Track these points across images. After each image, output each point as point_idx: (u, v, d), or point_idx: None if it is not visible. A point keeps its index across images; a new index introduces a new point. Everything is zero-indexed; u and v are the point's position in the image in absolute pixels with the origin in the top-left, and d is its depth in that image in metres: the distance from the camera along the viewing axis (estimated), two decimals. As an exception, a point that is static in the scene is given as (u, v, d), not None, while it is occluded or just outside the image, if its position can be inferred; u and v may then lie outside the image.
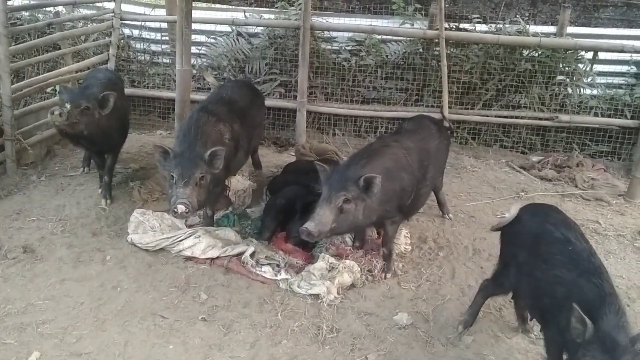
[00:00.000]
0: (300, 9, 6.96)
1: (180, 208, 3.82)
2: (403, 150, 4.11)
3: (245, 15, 7.45)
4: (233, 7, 8.01)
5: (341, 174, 3.77)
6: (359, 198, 3.69)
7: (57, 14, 7.07)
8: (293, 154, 6.65)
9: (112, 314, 3.56)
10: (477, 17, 7.09)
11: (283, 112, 7.26)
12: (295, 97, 7.01)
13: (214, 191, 4.45)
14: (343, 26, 7.09)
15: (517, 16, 7.24)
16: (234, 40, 7.38)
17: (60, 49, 6.86)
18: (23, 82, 5.88)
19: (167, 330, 3.49)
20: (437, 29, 6.57)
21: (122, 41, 7.41)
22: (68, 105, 4.46)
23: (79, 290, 3.76)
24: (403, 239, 4.57)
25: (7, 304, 3.57)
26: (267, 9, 7.69)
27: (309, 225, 3.55)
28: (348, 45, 7.21)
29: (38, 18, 7.56)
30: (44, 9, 7.37)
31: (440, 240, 4.73)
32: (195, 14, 6.24)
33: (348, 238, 4.41)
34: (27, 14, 7.45)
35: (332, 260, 4.12)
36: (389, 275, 4.20)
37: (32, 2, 6.70)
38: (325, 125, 7.23)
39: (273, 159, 6.52)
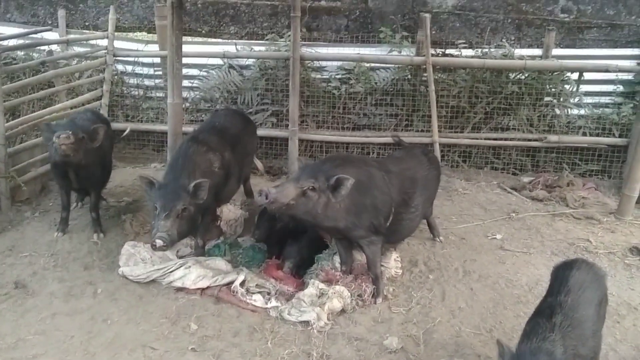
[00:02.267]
0: (289, 41, 7.10)
1: (158, 242, 3.92)
2: (382, 172, 4.21)
3: (236, 48, 7.58)
4: (224, 40, 8.14)
5: (316, 167, 3.99)
6: (325, 193, 3.83)
7: (50, 52, 7.19)
8: (286, 182, 6.69)
9: (102, 347, 3.57)
10: (463, 43, 7.21)
11: (275, 141, 7.34)
12: (287, 126, 7.10)
13: (203, 221, 4.52)
14: (332, 55, 7.22)
15: (503, 40, 7.35)
16: (226, 72, 7.49)
17: (54, 86, 7.00)
18: (17, 120, 5.97)
19: (157, 361, 3.50)
20: (424, 55, 6.69)
21: (115, 77, 7.54)
22: (70, 132, 4.43)
23: (70, 324, 3.77)
24: (393, 263, 4.58)
25: (-2, 340, 3.59)
26: (258, 42, 7.82)
27: (271, 190, 3.71)
28: (338, 74, 7.32)
29: (33, 57, 7.71)
30: (38, 47, 7.51)
31: (431, 263, 4.75)
32: (187, 48, 6.36)
33: (338, 264, 4.43)
34: (22, 53, 7.59)
35: (322, 286, 4.14)
36: (379, 300, 4.22)
37: (26, 42, 6.82)
38: (318, 152, 7.29)
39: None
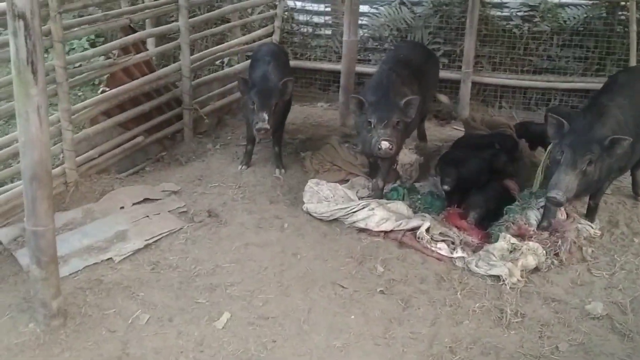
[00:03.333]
0: (469, -26, 6.61)
1: (384, 144, 4.12)
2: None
3: (408, -18, 7.23)
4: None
5: (582, 134, 3.74)
6: (600, 159, 3.71)
7: (224, -13, 7.30)
8: (457, 127, 6.39)
9: (294, 280, 3.63)
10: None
11: (445, 84, 6.97)
12: (460, 67, 6.71)
13: (384, 164, 4.44)
14: (517, -10, 6.63)
15: None
16: (396, 9, 7.20)
17: (228, 21, 7.13)
18: (199, 54, 6.17)
19: (348, 300, 3.49)
20: (626, -9, 5.93)
21: (286, 13, 7.52)
22: (265, 115, 4.55)
23: (262, 255, 3.87)
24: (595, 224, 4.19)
25: (197, 265, 3.76)
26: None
27: (556, 193, 3.60)
28: (520, 11, 6.74)
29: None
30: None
31: (634, 225, 4.29)
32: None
33: (533, 220, 4.11)
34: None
35: (513, 240, 3.88)
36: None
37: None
38: (491, 97, 6.87)
39: (436, 133, 6.31)
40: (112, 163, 5.10)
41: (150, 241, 4.00)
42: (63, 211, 4.32)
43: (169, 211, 4.39)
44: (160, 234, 4.08)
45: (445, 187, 4.50)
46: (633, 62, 5.95)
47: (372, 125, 4.23)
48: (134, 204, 4.44)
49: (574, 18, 6.49)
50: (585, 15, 6.43)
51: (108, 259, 3.80)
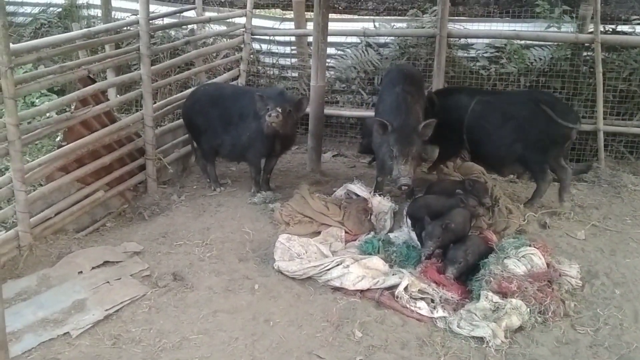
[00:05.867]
0: (434, 16, 6.60)
1: (404, 181, 4.60)
2: None
3: (374, 25, 7.19)
4: (360, 17, 7.78)
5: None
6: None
7: (192, 31, 7.16)
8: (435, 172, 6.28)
9: (267, 352, 3.38)
10: (637, 18, 6.36)
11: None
12: (428, 108, 6.65)
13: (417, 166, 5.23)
14: (483, 32, 6.66)
15: (682, 14, 6.44)
16: (363, 51, 7.15)
17: (193, 66, 6.96)
18: (162, 102, 5.97)
19: (326, 372, 3.27)
20: (591, 32, 5.97)
21: (251, 56, 7.40)
22: (279, 109, 4.89)
23: (232, 324, 3.61)
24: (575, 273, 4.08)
25: (162, 338, 3.49)
26: (398, 18, 7.39)
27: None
28: (486, 52, 6.75)
29: (170, 35, 7.74)
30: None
31: (614, 275, 4.17)
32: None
33: (511, 267, 3.95)
34: (161, 32, 7.61)
35: (496, 299, 3.72)
36: None
37: (171, 21, 6.79)
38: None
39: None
40: (70, 221, 4.81)
41: (111, 311, 3.71)
42: (16, 279, 4.02)
43: (131, 275, 4.12)
44: (122, 303, 3.80)
45: (430, 249, 4.28)
46: (600, 103, 5.97)
47: (394, 155, 4.61)
48: (93, 268, 4.17)
49: (540, 59, 6.52)
50: (551, 57, 6.47)
51: (65, 333, 3.50)
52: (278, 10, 8.32)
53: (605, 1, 6.84)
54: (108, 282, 4.00)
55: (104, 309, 3.70)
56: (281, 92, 5.29)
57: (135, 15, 5.55)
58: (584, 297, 3.96)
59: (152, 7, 7.51)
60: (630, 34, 6.25)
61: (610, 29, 6.27)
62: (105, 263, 4.24)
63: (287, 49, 7.45)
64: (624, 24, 6.44)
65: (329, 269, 4.07)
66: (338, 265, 4.08)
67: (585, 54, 6.31)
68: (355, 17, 7.89)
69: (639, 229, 4.90)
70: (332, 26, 7.14)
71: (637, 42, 6.07)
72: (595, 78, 5.97)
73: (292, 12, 7.58)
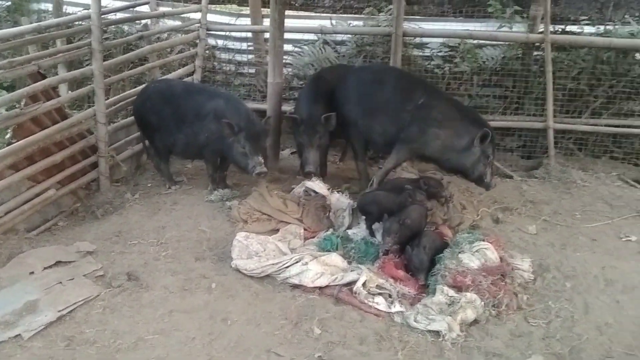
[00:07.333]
0: (390, 15, 6.66)
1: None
2: None
3: (331, 23, 7.20)
4: (317, 14, 7.78)
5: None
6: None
7: (145, 26, 7.01)
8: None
9: (225, 352, 3.35)
10: (585, 19, 6.56)
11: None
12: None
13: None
14: (438, 32, 6.74)
15: (627, 16, 6.66)
16: (320, 48, 7.15)
17: (147, 61, 6.83)
18: (114, 98, 5.83)
19: (285, 370, 3.26)
20: (541, 32, 6.13)
21: (207, 52, 7.31)
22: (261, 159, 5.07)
23: (189, 323, 3.57)
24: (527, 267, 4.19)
25: (117, 339, 3.42)
26: (354, 16, 7.42)
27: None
28: (440, 52, 6.85)
29: (123, 30, 7.56)
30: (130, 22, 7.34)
31: (565, 269, 4.29)
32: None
33: (466, 261, 4.04)
34: (114, 27, 7.44)
35: (451, 293, 3.79)
36: None
37: (123, 16, 6.63)
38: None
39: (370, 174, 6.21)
40: (21, 221, 4.67)
41: (64, 312, 3.62)
42: (-35, 281, 3.87)
43: (84, 275, 4.02)
44: (75, 303, 3.71)
45: (389, 244, 4.32)
46: (550, 101, 6.13)
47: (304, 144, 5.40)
48: (45, 269, 4.05)
49: (492, 58, 6.64)
50: (503, 56, 6.60)
51: (16, 335, 3.40)
52: (234, 6, 8.23)
53: (555, 2, 7.04)
54: (61, 282, 3.89)
55: (56, 310, 3.61)
56: (247, 116, 5.18)
57: (87, 9, 5.40)
58: (536, 291, 4.06)
59: (105, 2, 7.37)
60: (578, 34, 6.41)
61: (560, 29, 6.43)
62: (58, 263, 4.12)
63: (244, 45, 7.38)
64: (572, 25, 6.61)
65: (287, 267, 4.07)
66: (297, 262, 4.08)
67: (535, 53, 6.45)
68: (313, 14, 7.88)
69: (588, 223, 5.05)
70: (289, 23, 7.10)
71: (586, 42, 6.24)
72: (545, 77, 6.12)
73: (248, 8, 7.51)
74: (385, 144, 5.30)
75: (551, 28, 6.16)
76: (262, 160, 5.00)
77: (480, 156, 4.91)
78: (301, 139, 5.34)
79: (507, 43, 6.60)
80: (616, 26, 6.45)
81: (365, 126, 5.29)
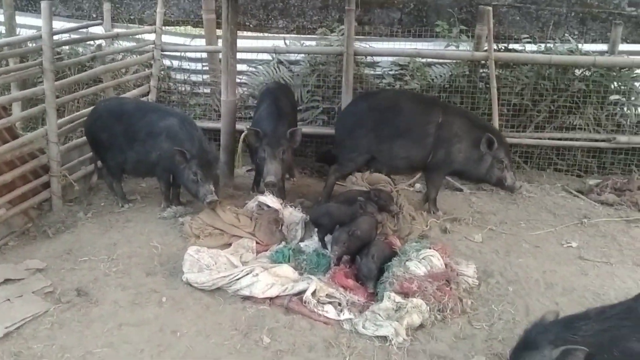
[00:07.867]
0: (342, 35, 6.85)
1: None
2: None
3: (285, 43, 7.36)
4: (272, 35, 7.93)
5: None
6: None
7: (99, 47, 7.04)
8: (340, 183, 6.45)
9: (174, 363, 3.38)
10: (526, 37, 6.88)
11: (326, 140, 7.08)
12: (339, 124, 6.84)
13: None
14: (387, 51, 6.96)
15: (566, 34, 7.01)
16: (274, 68, 7.29)
17: (101, 82, 6.84)
18: (67, 118, 5.83)
19: (232, 378, 3.30)
20: (486, 51, 6.39)
21: (162, 72, 7.37)
22: (212, 187, 5.05)
23: (138, 336, 3.58)
24: (472, 273, 4.34)
25: (65, 353, 3.40)
26: (307, 36, 7.60)
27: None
28: (391, 70, 7.06)
29: (78, 51, 7.56)
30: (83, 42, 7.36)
31: (508, 274, 4.46)
32: (237, 42, 6.10)
33: (413, 269, 4.15)
34: (67, 47, 7.44)
35: (398, 299, 3.89)
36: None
37: (76, 37, 6.66)
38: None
39: (319, 188, 6.33)
40: (-32, 241, 4.60)
41: (12, 328, 3.58)
42: None
43: (32, 292, 3.98)
44: (23, 320, 3.67)
45: (336, 253, 4.41)
46: (496, 116, 6.37)
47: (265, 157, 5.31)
48: (-8, 287, 4.00)
49: (441, 76, 6.89)
50: (450, 74, 6.85)
51: (-39, 353, 3.36)
52: (189, 27, 8.33)
53: (498, 21, 7.35)
54: (9, 299, 3.85)
55: (3, 327, 3.57)
56: (200, 143, 5.18)
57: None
58: (480, 295, 4.20)
59: (59, 24, 7.38)
60: (521, 51, 6.72)
61: (503, 47, 6.73)
62: (6, 281, 4.07)
63: (199, 66, 7.47)
64: (515, 43, 6.91)
65: (238, 279, 4.11)
66: (247, 274, 4.13)
67: (481, 70, 6.72)
68: (267, 34, 8.03)
69: (533, 231, 5.26)
70: (243, 43, 7.30)
71: (528, 59, 6.54)
72: (491, 93, 6.37)
73: (202, 29, 7.62)
74: (408, 167, 5.57)
75: (495, 46, 6.45)
76: (213, 189, 4.98)
77: (493, 161, 5.21)
78: (263, 152, 5.27)
79: (454, 61, 6.85)
80: (556, 44, 6.78)
81: (385, 152, 5.41)
